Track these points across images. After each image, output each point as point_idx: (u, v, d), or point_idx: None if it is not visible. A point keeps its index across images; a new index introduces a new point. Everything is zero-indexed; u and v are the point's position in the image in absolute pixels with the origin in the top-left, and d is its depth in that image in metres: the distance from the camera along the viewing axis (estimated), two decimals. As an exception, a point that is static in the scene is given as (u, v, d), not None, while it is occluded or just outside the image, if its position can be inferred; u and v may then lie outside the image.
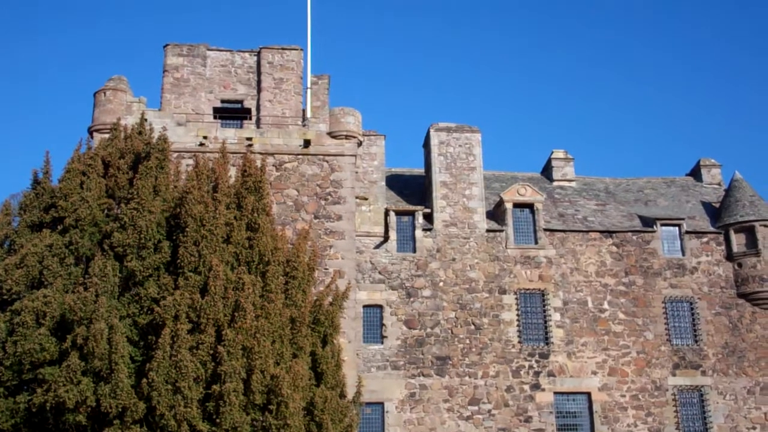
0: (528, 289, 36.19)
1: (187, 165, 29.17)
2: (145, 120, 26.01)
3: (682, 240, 37.34)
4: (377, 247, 36.02)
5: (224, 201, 22.79)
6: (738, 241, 37.02)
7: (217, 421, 19.19)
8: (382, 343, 34.82)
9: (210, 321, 20.25)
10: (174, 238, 22.06)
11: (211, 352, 19.91)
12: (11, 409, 19.63)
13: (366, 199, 36.22)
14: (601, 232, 37.31)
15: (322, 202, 32.99)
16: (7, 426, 19.52)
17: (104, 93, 33.36)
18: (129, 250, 21.47)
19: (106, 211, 22.96)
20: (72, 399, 18.53)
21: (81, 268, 21.79)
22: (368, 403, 30.71)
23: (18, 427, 19.59)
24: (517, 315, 35.67)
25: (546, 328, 35.74)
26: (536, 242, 36.78)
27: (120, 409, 18.78)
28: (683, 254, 37.12)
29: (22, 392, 19.99)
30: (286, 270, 23.42)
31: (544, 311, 35.87)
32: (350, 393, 24.15)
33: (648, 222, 37.62)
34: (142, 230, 21.49)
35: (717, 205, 39.23)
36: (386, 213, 36.26)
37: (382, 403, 33.72)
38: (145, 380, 19.04)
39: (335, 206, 33.00)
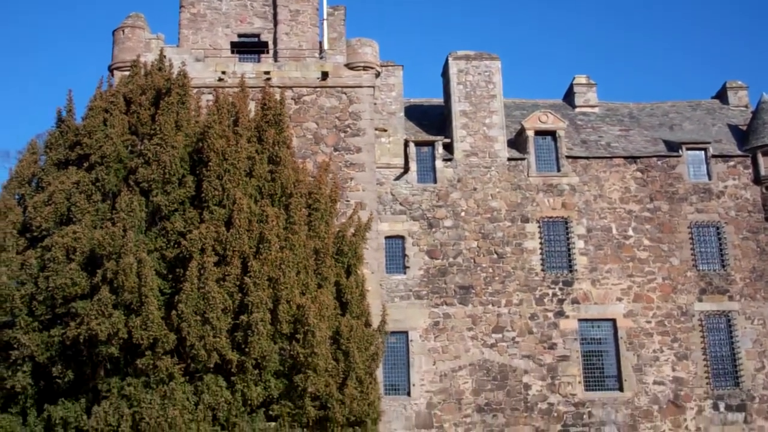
0: (551, 217, 36.17)
1: (207, 100, 29.21)
2: (164, 56, 26.02)
3: (708, 164, 37.05)
4: (397, 178, 36.07)
5: (245, 135, 22.90)
6: (766, 164, 36.63)
7: (246, 350, 19.56)
8: (405, 273, 35.07)
9: (236, 253, 20.51)
10: (197, 172, 22.24)
11: (238, 283, 20.21)
12: (46, 343, 20.07)
13: (385, 130, 36.19)
14: (625, 157, 37.09)
15: (342, 135, 33.01)
16: (43, 359, 19.98)
17: (123, 31, 33.33)
18: (154, 185, 21.68)
19: (129, 148, 23.14)
20: (104, 331, 18.91)
21: (108, 204, 22.06)
22: (393, 332, 31.02)
23: (53, 359, 20.05)
24: (540, 243, 35.73)
25: (570, 255, 35.80)
26: (559, 170, 36.66)
27: (151, 341, 19.16)
28: (709, 178, 36.87)
29: (55, 326, 20.40)
30: (309, 202, 23.58)
31: (568, 239, 35.90)
32: (375, 322, 24.46)
33: (673, 146, 37.35)
34: (166, 165, 21.67)
35: (744, 128, 38.77)
36: (406, 144, 36.22)
37: (406, 332, 34.10)
38: (174, 312, 19.39)
39: (355, 138, 33.01)
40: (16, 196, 23.79)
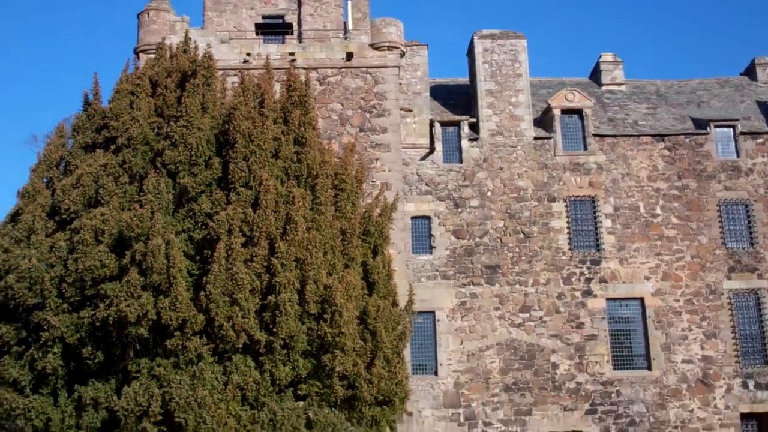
0: (578, 196, 35.99)
1: (233, 82, 29.22)
2: (189, 39, 26.06)
3: (736, 141, 36.67)
4: (423, 158, 36.00)
5: (271, 116, 22.92)
6: (795, 141, 36.34)
7: (274, 330, 19.65)
8: (431, 253, 35.06)
9: (263, 234, 20.57)
10: (224, 154, 22.30)
11: (265, 264, 20.28)
12: (76, 324, 20.24)
13: (410, 110, 36.09)
14: (652, 135, 36.79)
15: (367, 115, 32.96)
16: (73, 340, 20.16)
17: (147, 14, 33.42)
18: (181, 167, 21.77)
19: (156, 130, 23.23)
20: (133, 313, 19.05)
21: (135, 186, 22.18)
22: (419, 312, 31.08)
23: (83, 340, 20.22)
24: (567, 222, 35.59)
25: (597, 234, 35.64)
26: (585, 148, 36.44)
27: (180, 322, 19.29)
28: (738, 156, 36.50)
29: (85, 308, 20.56)
30: (335, 183, 23.60)
31: (595, 218, 35.73)
32: (402, 302, 24.48)
33: (701, 124, 36.99)
34: (193, 147, 21.74)
35: (772, 105, 38.41)
36: (431, 124, 36.12)
37: (433, 312, 34.12)
38: (203, 293, 19.49)
39: (380, 119, 32.96)
40: (45, 180, 23.96)
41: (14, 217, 23.20)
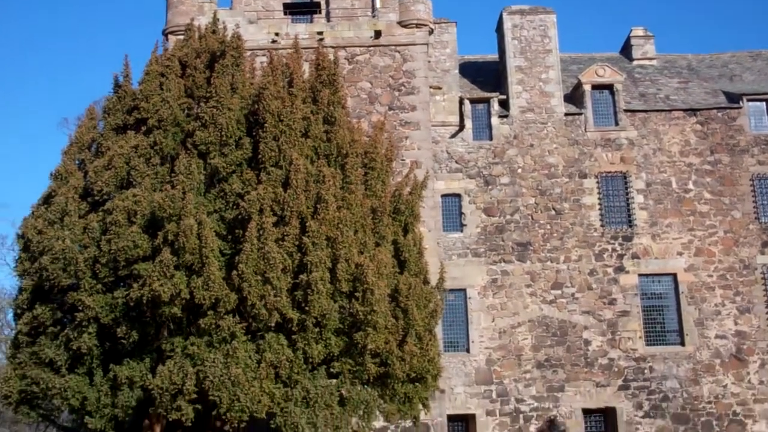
0: (609, 172, 35.80)
1: (261, 62, 29.23)
2: (218, 19, 26.06)
3: (769, 115, 36.32)
4: (453, 136, 35.93)
5: (300, 96, 22.91)
6: (829, 114, 35.85)
7: (306, 309, 19.72)
8: (462, 231, 35.05)
9: (294, 213, 20.63)
10: (254, 134, 22.35)
11: (297, 243, 20.34)
12: (110, 304, 20.43)
13: (440, 88, 35.97)
14: (684, 110, 36.45)
15: (396, 94, 32.89)
16: (107, 320, 20.36)
17: (176, -5, 33.48)
18: (211, 147, 21.84)
19: (186, 111, 23.32)
20: (167, 292, 19.18)
21: (167, 167, 22.29)
22: (451, 290, 31.09)
23: (117, 320, 20.41)
24: (599, 199, 35.44)
25: (629, 210, 35.47)
26: (617, 124, 36.20)
27: (213, 301, 19.40)
28: (771, 129, 36.17)
29: (119, 288, 20.73)
30: (364, 162, 23.59)
31: (627, 194, 35.53)
32: (433, 280, 24.49)
33: (733, 98, 36.57)
34: (223, 128, 21.80)
35: (806, 78, 37.88)
36: (461, 101, 36.00)
37: (464, 290, 34.17)
38: (235, 272, 19.59)
39: (409, 97, 32.87)
40: (77, 162, 24.14)
41: (47, 199, 23.42)
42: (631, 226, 35.17)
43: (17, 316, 23.05)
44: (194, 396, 19.00)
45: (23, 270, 22.84)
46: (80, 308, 20.52)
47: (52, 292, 21.81)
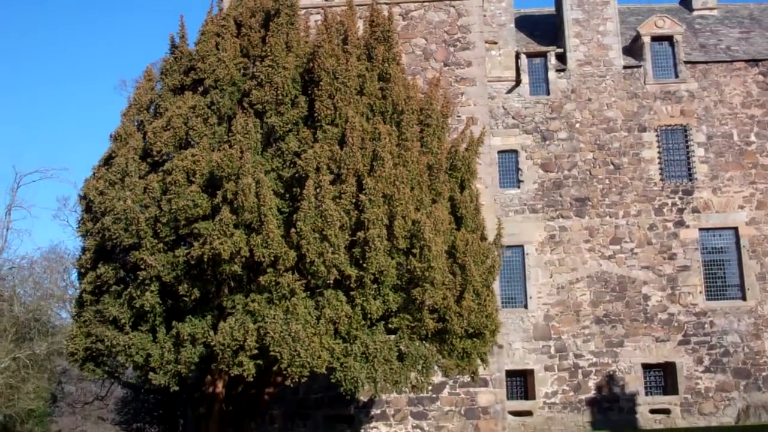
0: (669, 126, 35.32)
1: (316, 20, 29.22)
2: (272, -22, 25.96)
3: (833, 64, 35.36)
4: (509, 91, 35.65)
5: (355, 53, 22.81)
6: None
7: (364, 265, 19.80)
8: (519, 187, 34.91)
9: (350, 171, 20.65)
10: (309, 92, 22.35)
11: (354, 200, 20.38)
12: (171, 263, 20.72)
13: (495, 43, 35.61)
14: (746, 61, 35.67)
15: (451, 49, 32.60)
16: (169, 278, 20.67)
17: (229, -46, 33.43)
18: (268, 106, 21.91)
19: (242, 71, 23.39)
20: (227, 250, 19.38)
21: (224, 127, 22.44)
22: (508, 246, 31.04)
23: (179, 278, 20.71)
24: (659, 152, 35.02)
25: (689, 164, 35.00)
26: (677, 76, 35.59)
27: (272, 258, 19.56)
28: (835, 79, 35.24)
29: (179, 246, 21.00)
30: (420, 118, 23.45)
31: (687, 147, 35.04)
32: (490, 236, 24.40)
33: (796, 47, 35.70)
34: (279, 86, 21.83)
35: None
36: (517, 56, 35.66)
37: (521, 246, 34.13)
38: (293, 230, 19.71)
39: (464, 52, 32.55)
40: (136, 123, 24.39)
41: (108, 161, 23.77)
42: (691, 180, 34.69)
43: (81, 276, 23.53)
44: (255, 352, 19.24)
45: (86, 230, 23.29)
46: (142, 267, 20.85)
47: (115, 251, 22.21)
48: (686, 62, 35.70)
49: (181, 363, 20.55)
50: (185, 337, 20.53)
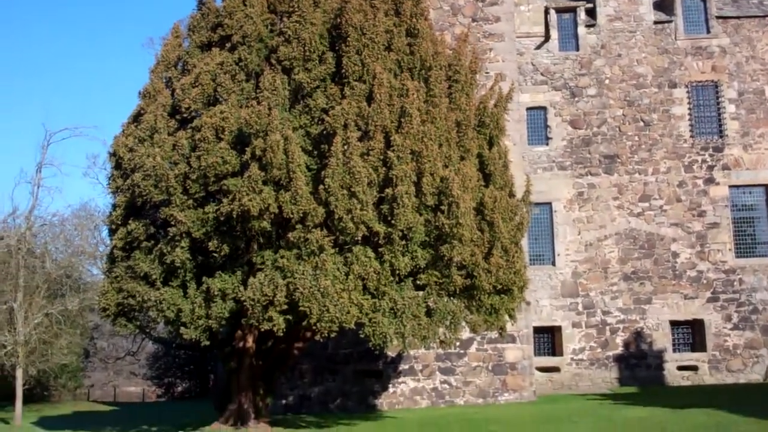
0: (700, 82, 34.91)
1: (343, -24, 29.00)
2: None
3: None
4: (538, 47, 35.34)
5: (382, 8, 22.65)
6: None
7: (392, 222, 19.85)
8: (548, 144, 34.73)
9: (378, 128, 20.63)
10: (337, 48, 22.28)
11: (382, 157, 20.38)
12: (201, 219, 20.89)
13: (525, -2, 35.22)
14: (779, 15, 35.12)
15: (479, 5, 32.29)
16: (199, 234, 20.85)
17: None
18: (295, 63, 21.87)
19: (269, 27, 23.33)
20: (256, 207, 19.50)
21: (252, 84, 22.45)
22: (536, 203, 30.94)
23: (209, 234, 20.88)
24: (689, 109, 34.67)
25: (720, 120, 34.64)
26: (708, 31, 35.09)
27: (301, 215, 19.66)
28: None
29: (209, 203, 21.16)
30: (448, 74, 23.34)
31: (718, 103, 34.65)
32: (518, 193, 24.36)
33: (831, 1, 35.05)
34: (306, 43, 21.77)
35: None
36: (546, 11, 35.27)
37: (549, 203, 34.04)
38: (321, 187, 19.78)
39: (493, 7, 32.24)
40: (164, 80, 24.47)
41: (137, 118, 23.91)
42: (721, 137, 34.36)
43: (112, 232, 23.81)
44: (285, 307, 19.41)
45: (116, 187, 23.50)
46: (172, 223, 21.04)
47: (145, 207, 22.41)
48: (718, 17, 35.18)
49: (212, 318, 20.80)
50: (215, 293, 20.75)
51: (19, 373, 35.51)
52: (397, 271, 20.25)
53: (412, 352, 28.27)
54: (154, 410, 41.92)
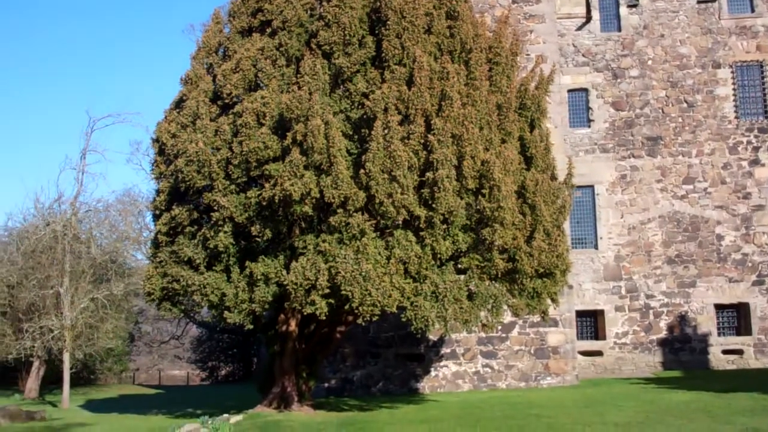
0: (745, 62, 34.36)
1: (383, -41, 28.90)
2: None
3: None
4: (579, 28, 34.99)
5: (422, -9, 22.59)
6: None
7: (433, 206, 19.83)
8: (590, 126, 34.44)
9: (418, 111, 20.59)
10: (376, 32, 22.26)
11: (422, 141, 20.35)
12: (243, 204, 21.03)
13: (566, -21, 34.89)
14: (826, -8, 34.46)
15: (520, -14, 32.03)
16: (242, 219, 20.98)
17: None
18: (335, 47, 21.89)
19: (309, 11, 23.37)
20: (297, 191, 19.57)
21: (292, 69, 22.51)
22: (578, 186, 30.73)
23: (251, 219, 21.01)
24: (734, 89, 34.15)
25: (765, 101, 34.12)
26: (753, 10, 34.51)
27: (342, 199, 19.71)
28: None
29: (251, 188, 21.29)
30: (489, 57, 23.20)
31: (763, 83, 34.10)
32: (560, 176, 24.22)
33: None
34: (346, 27, 21.77)
35: None
36: (588, -8, 34.88)
37: (592, 186, 33.78)
38: (362, 171, 19.79)
39: (534, -11, 31.96)
40: (205, 66, 24.62)
41: (179, 104, 24.08)
42: (767, 118, 33.80)
43: (156, 218, 24.04)
44: (327, 291, 19.49)
45: (159, 173, 23.72)
46: (215, 208, 21.21)
47: (188, 193, 22.59)
48: (763, -5, 34.67)
49: (255, 302, 20.95)
50: (258, 277, 20.89)
51: (66, 357, 36.09)
52: (439, 255, 20.25)
53: (453, 336, 28.29)
54: (198, 393, 42.41)
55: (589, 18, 34.86)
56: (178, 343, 64.97)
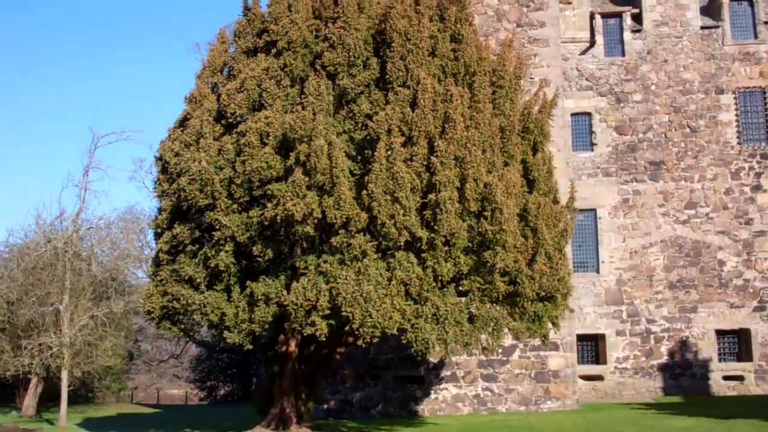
0: (747, 88, 34.45)
1: (388, -18, 29.04)
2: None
3: None
4: (583, 53, 35.12)
5: (427, 14, 22.69)
6: None
7: (435, 227, 19.81)
8: (592, 150, 34.49)
9: (422, 133, 20.61)
10: (381, 54, 22.33)
11: (425, 163, 20.36)
12: (245, 223, 21.00)
13: (569, 2, 35.06)
14: (828, 20, 34.58)
15: (524, 10, 32.19)
16: (243, 238, 20.95)
17: None
18: (339, 68, 21.96)
19: (314, 32, 23.45)
20: (299, 212, 19.54)
21: (297, 89, 22.56)
22: (581, 210, 30.74)
23: (253, 239, 20.98)
24: (736, 115, 34.24)
25: (768, 127, 34.18)
26: (756, 36, 34.65)
27: (344, 220, 19.69)
28: None
29: (253, 207, 21.27)
30: (492, 80, 23.28)
31: (766, 109, 34.17)
32: (563, 200, 24.22)
33: None
34: (351, 48, 21.85)
35: None
36: (591, 16, 35.06)
37: (594, 210, 33.79)
38: (365, 192, 19.78)
39: (537, 13, 32.12)
40: (210, 85, 24.64)
41: (183, 122, 24.09)
42: (770, 143, 33.88)
43: (157, 236, 23.99)
44: (327, 312, 19.44)
45: (162, 191, 23.71)
46: (217, 227, 21.17)
47: (190, 212, 22.57)
48: (766, 22, 34.72)
49: (255, 322, 20.88)
50: (259, 297, 20.83)
51: (64, 375, 35.97)
52: (440, 277, 20.21)
53: (454, 359, 28.19)
54: (196, 413, 42.24)
55: (593, 42, 34.99)
56: (177, 362, 64.76)
